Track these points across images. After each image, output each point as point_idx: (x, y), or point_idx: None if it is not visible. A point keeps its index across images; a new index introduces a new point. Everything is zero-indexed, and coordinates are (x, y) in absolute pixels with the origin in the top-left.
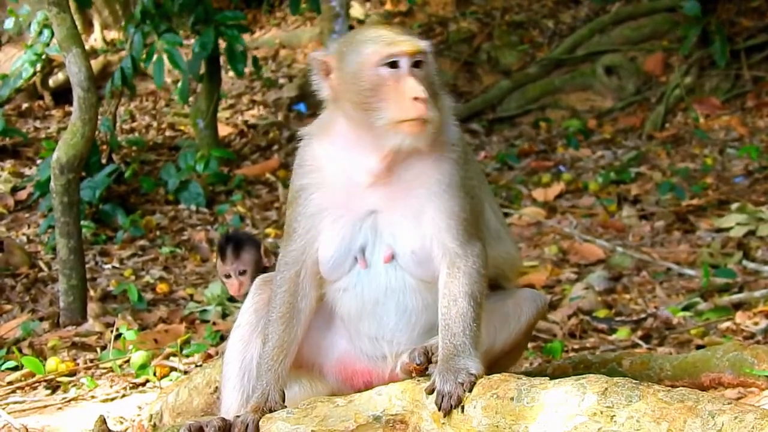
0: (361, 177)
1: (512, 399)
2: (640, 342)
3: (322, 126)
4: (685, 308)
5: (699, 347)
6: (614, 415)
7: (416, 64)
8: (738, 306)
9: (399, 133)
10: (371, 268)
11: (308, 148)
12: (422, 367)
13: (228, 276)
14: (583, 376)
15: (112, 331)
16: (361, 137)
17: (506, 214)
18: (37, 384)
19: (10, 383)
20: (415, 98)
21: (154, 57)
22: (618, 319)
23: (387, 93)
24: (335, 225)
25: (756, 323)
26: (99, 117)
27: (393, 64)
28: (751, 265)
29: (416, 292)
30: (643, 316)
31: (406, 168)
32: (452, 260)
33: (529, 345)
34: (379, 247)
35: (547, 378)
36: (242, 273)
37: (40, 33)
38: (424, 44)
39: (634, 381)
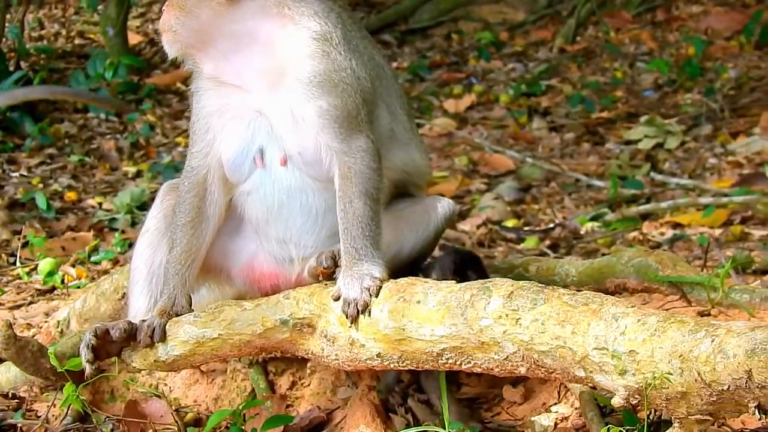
0: (237, 78)
1: (419, 302)
2: (548, 251)
3: None
4: (593, 218)
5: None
6: (519, 318)
7: None
8: (645, 217)
9: None
10: (271, 170)
11: None
12: (329, 271)
13: None
14: (489, 279)
15: (19, 239)
16: None
17: (418, 125)
18: None
19: None
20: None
21: None
22: (526, 228)
23: None
24: (232, 125)
25: (662, 233)
26: (6, 24)
27: None
28: (658, 177)
29: (318, 192)
30: (551, 225)
31: (268, 68)
32: (340, 159)
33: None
34: (274, 149)
35: (454, 282)
36: None
37: None
38: None
39: (539, 285)
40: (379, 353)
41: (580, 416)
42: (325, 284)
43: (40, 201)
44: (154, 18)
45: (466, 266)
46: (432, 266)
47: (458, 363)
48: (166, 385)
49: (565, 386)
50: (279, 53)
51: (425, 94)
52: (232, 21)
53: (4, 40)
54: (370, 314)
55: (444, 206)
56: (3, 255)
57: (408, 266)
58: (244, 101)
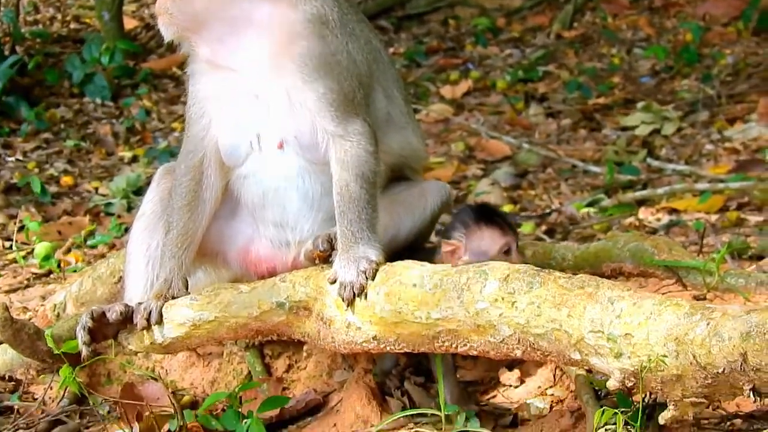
0: (233, 61)
1: (415, 285)
2: (544, 236)
3: None
4: (590, 204)
5: None
6: (515, 301)
7: None
8: (641, 202)
9: None
10: (267, 154)
11: None
12: (326, 254)
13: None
14: (485, 263)
15: (15, 223)
16: None
17: (414, 111)
18: None
19: None
20: None
21: None
22: (523, 214)
23: None
24: (228, 109)
25: (658, 219)
26: (1, 8)
27: None
28: (655, 163)
29: (314, 176)
30: (547, 211)
31: (264, 52)
32: (336, 143)
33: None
34: (271, 133)
35: (450, 265)
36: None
37: None
38: None
39: (535, 268)
40: (375, 336)
41: (575, 399)
42: (322, 267)
43: (36, 185)
44: (150, 2)
45: (488, 215)
46: (453, 225)
47: (454, 346)
48: (162, 367)
49: (561, 369)
50: (275, 36)
51: (422, 80)
52: (228, 3)
53: None
54: (366, 297)
55: (440, 190)
56: None
57: (405, 250)
58: (240, 85)
